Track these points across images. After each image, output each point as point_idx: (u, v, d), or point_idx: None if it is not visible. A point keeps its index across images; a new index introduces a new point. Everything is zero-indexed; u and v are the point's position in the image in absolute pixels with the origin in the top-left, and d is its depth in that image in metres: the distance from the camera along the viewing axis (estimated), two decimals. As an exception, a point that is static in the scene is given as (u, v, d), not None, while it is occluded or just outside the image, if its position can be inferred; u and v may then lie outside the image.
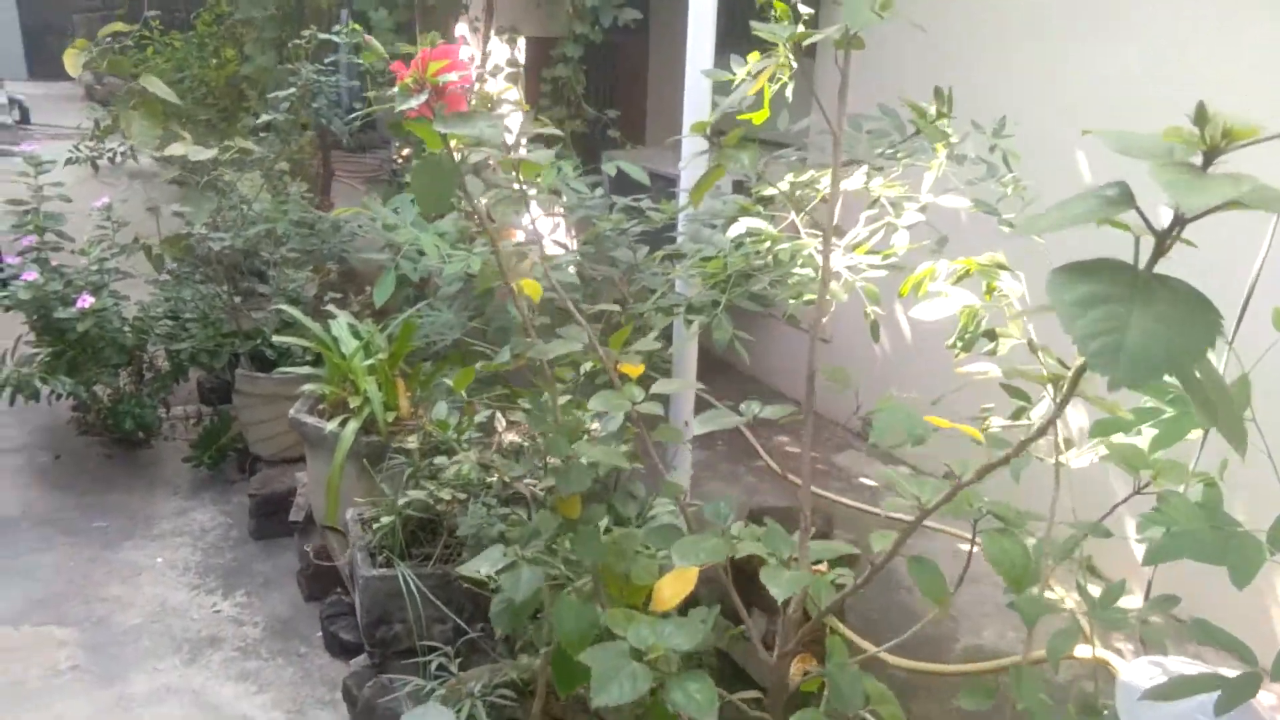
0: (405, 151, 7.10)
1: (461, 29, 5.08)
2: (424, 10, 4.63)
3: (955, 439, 1.69)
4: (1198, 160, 0.84)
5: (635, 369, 2.12)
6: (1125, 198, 0.85)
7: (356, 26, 3.10)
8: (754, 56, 2.62)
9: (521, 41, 6.59)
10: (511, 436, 2.25)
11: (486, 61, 4.85)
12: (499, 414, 2.31)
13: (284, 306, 2.91)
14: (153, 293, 3.57)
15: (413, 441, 2.39)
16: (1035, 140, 3.04)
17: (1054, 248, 3.78)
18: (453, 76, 1.47)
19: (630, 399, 1.66)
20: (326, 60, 3.14)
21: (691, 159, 2.85)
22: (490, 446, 2.26)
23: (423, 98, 1.43)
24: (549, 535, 1.72)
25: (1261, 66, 2.89)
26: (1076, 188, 3.51)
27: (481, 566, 1.80)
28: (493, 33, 4.88)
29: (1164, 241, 0.88)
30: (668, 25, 5.65)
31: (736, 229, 2.57)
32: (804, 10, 2.57)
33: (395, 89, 1.40)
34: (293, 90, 3.01)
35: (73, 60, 3.52)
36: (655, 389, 2.01)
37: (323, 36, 3.15)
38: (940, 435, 1.68)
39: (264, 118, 2.93)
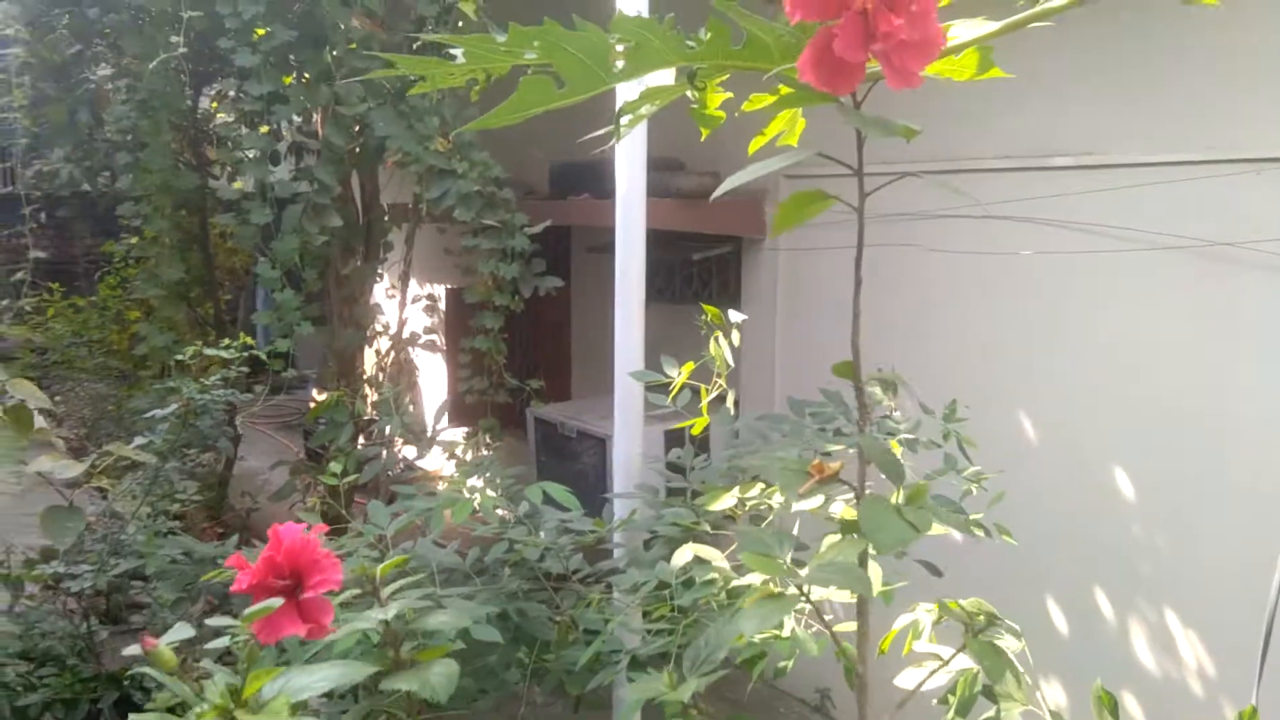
0: (323, 396, 6.80)
1: (378, 294, 4.91)
2: (337, 281, 4.44)
3: None
4: None
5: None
6: None
7: (249, 340, 2.83)
8: (688, 367, 2.42)
9: (441, 290, 6.49)
10: None
11: (404, 328, 4.65)
12: None
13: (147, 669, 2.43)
14: (4, 630, 3.06)
15: None
16: (978, 411, 2.88)
17: (1017, 515, 3.38)
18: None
19: None
20: (213, 377, 2.83)
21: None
22: None
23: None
24: None
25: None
26: (1029, 459, 3.15)
27: None
28: (409, 298, 4.71)
29: None
30: (588, 274, 5.58)
31: (682, 556, 2.26)
32: (735, 317, 2.40)
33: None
34: (173, 410, 2.68)
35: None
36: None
37: (209, 351, 2.87)
38: None
39: (136, 441, 2.59)
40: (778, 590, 0.92)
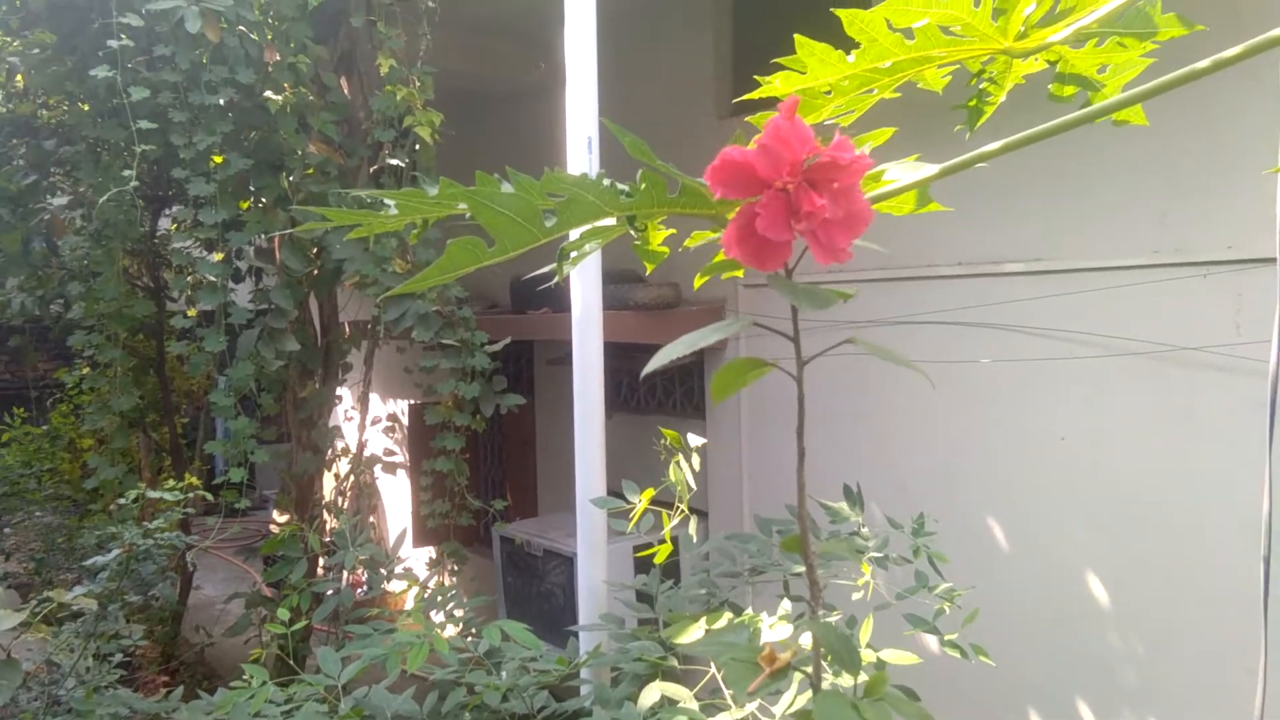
0: (284, 519, 6.62)
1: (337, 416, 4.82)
2: (295, 404, 4.35)
3: None
4: None
5: None
6: None
7: (195, 482, 2.74)
8: (648, 494, 2.36)
9: (404, 405, 6.39)
10: None
11: (363, 450, 4.55)
12: None
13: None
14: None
15: None
16: (947, 520, 2.82)
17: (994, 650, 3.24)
18: None
19: None
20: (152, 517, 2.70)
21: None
22: None
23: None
24: None
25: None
26: (1001, 568, 3.05)
27: None
28: (369, 421, 4.62)
29: None
30: (551, 387, 5.53)
31: (650, 696, 2.15)
32: (694, 441, 2.36)
33: None
34: (115, 554, 2.55)
35: None
36: None
37: (152, 494, 2.75)
38: None
39: (76, 590, 2.45)
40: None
